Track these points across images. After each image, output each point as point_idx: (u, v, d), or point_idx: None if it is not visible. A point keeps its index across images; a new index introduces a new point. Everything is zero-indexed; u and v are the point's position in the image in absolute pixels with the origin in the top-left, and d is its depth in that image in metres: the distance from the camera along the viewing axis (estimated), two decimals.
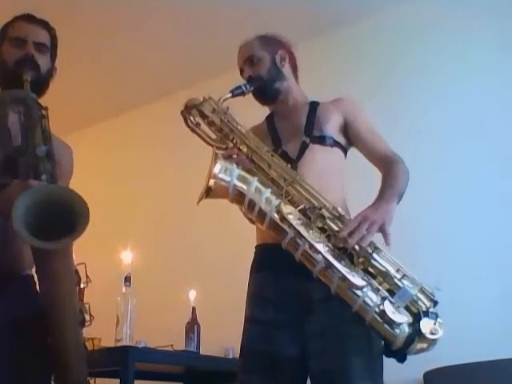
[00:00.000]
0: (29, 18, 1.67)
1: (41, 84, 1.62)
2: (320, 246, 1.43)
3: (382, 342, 1.44)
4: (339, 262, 1.41)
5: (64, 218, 1.30)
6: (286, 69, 1.85)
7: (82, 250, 1.54)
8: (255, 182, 1.49)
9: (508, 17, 2.83)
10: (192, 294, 2.91)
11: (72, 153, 1.75)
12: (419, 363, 2.15)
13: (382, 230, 1.45)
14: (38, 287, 1.48)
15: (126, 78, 3.82)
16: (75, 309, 1.47)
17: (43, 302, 1.43)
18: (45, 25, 1.68)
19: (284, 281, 1.60)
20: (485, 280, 2.51)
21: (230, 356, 2.75)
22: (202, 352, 2.77)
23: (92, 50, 3.48)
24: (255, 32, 1.87)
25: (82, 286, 2.56)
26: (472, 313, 2.44)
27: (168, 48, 3.55)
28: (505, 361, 2.23)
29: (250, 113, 1.74)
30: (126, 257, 2.63)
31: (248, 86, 1.74)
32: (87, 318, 2.26)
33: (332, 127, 1.75)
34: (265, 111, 1.91)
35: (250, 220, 1.75)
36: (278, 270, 1.61)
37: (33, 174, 1.40)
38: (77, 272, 2.39)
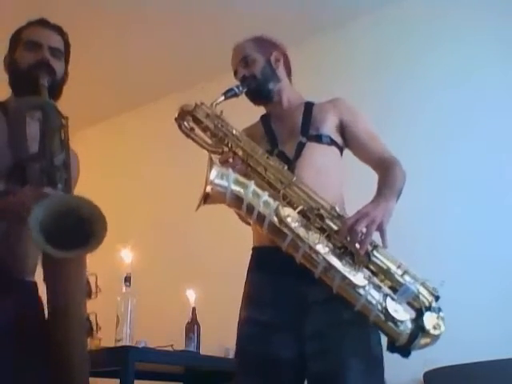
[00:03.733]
0: (43, 23, 1.67)
1: (56, 90, 1.61)
2: (320, 247, 1.42)
3: (386, 339, 1.44)
4: (340, 261, 1.41)
5: (81, 228, 1.29)
6: (281, 70, 1.85)
7: None
8: (252, 185, 1.48)
9: (504, 12, 2.83)
10: (192, 294, 2.91)
11: (77, 159, 1.74)
12: (419, 363, 2.15)
13: (381, 229, 1.44)
14: (40, 294, 1.48)
15: (126, 78, 3.83)
16: (83, 318, 1.46)
17: (51, 309, 1.42)
18: (59, 30, 1.68)
19: (281, 282, 1.59)
20: (485, 280, 2.51)
21: (230, 356, 2.75)
22: (202, 352, 2.77)
23: (94, 50, 3.49)
24: (253, 32, 1.88)
25: (92, 297, 2.55)
26: (472, 313, 2.44)
27: (170, 49, 3.56)
28: (505, 361, 2.23)
29: (247, 112, 1.74)
30: (126, 256, 2.63)
31: (241, 88, 1.74)
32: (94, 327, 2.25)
33: (328, 126, 1.74)
34: (261, 110, 1.91)
35: (247, 222, 1.75)
36: (276, 272, 1.60)
37: (48, 182, 1.39)
38: (88, 283, 2.37)
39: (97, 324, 2.21)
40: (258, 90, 1.79)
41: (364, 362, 1.49)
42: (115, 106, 4.10)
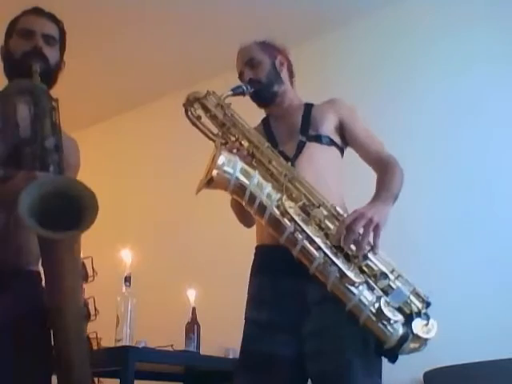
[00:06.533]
0: (37, 11, 1.67)
1: (49, 76, 1.61)
2: (319, 241, 1.43)
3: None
4: (337, 258, 1.42)
5: (72, 210, 1.28)
6: (284, 73, 1.88)
7: (82, 249, 1.53)
8: (257, 176, 1.49)
9: (506, 12, 2.84)
10: (192, 294, 2.91)
11: (78, 147, 1.74)
12: (419, 363, 2.15)
13: (376, 231, 1.44)
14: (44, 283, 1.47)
15: (126, 78, 3.83)
16: (79, 303, 1.45)
17: (47, 294, 1.42)
18: (53, 17, 1.68)
19: (281, 282, 1.60)
20: (485, 280, 2.51)
21: (230, 356, 2.75)
22: (202, 352, 2.76)
23: (94, 49, 3.49)
24: (253, 32, 1.90)
25: (88, 281, 2.52)
26: (472, 313, 2.44)
27: (170, 48, 3.56)
28: (505, 361, 2.23)
29: (247, 116, 1.74)
30: (126, 256, 2.62)
31: (249, 87, 1.76)
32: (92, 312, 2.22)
33: (328, 127, 1.76)
34: (260, 114, 1.91)
35: (242, 221, 1.75)
36: (275, 273, 1.62)
37: (40, 166, 1.39)
38: (84, 266, 2.34)
39: (95, 308, 2.19)
40: (263, 92, 1.81)
41: (363, 359, 1.49)
42: (115, 106, 4.10)
